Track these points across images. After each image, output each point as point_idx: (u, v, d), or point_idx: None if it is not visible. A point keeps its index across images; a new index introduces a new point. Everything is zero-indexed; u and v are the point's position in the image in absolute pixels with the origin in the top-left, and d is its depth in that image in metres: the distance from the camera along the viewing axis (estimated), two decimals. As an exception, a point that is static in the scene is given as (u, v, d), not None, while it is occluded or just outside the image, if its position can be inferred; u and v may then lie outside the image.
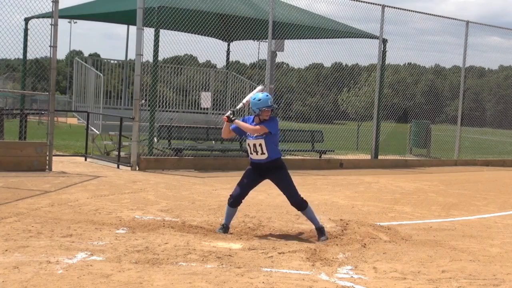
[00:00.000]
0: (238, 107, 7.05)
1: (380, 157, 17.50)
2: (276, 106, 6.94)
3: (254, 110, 6.76)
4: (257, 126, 6.71)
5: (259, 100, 6.73)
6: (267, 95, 6.79)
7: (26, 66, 16.24)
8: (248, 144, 6.81)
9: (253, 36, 16.95)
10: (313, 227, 6.93)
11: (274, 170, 6.83)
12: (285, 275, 5.18)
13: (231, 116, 6.76)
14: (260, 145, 6.72)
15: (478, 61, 22.79)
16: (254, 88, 7.37)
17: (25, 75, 16.37)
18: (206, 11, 14.44)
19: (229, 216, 6.93)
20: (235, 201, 6.87)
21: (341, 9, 19.65)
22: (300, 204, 6.87)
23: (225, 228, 6.85)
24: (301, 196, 6.92)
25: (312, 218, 6.92)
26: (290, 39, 16.84)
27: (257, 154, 6.77)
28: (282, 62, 19.64)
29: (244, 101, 6.96)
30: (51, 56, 11.76)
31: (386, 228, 7.69)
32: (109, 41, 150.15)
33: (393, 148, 20.37)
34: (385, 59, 17.44)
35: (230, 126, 6.86)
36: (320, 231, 6.84)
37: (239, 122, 6.79)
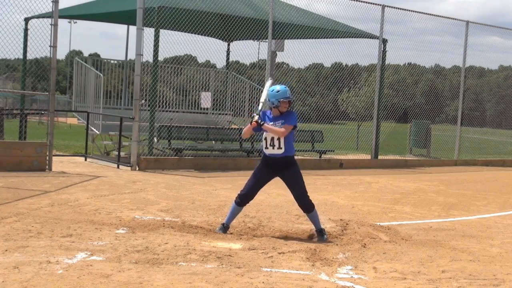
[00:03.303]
0: (259, 108, 6.90)
1: (380, 157, 17.51)
2: (293, 99, 6.88)
3: (272, 101, 6.66)
4: (283, 128, 6.63)
5: (278, 91, 6.66)
6: (285, 87, 6.74)
7: (26, 66, 16.23)
8: (265, 138, 6.72)
9: (253, 36, 16.95)
10: (313, 227, 6.92)
11: (287, 167, 6.76)
12: (285, 275, 5.18)
13: (259, 120, 6.68)
14: (278, 139, 6.66)
15: (478, 61, 22.81)
16: (264, 85, 7.30)
17: (25, 75, 16.36)
18: (206, 11, 14.44)
19: (233, 215, 6.89)
20: (243, 200, 6.81)
21: (341, 9, 19.68)
22: (307, 206, 6.81)
23: (225, 228, 6.81)
24: (310, 198, 6.87)
25: (315, 222, 6.88)
26: (290, 39, 16.84)
27: (273, 148, 6.69)
28: (282, 62, 19.64)
29: (262, 99, 6.88)
30: (51, 56, 11.76)
31: (386, 228, 7.68)
32: (109, 41, 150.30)
33: (393, 148, 20.37)
34: (385, 59, 17.45)
35: (253, 128, 6.78)
36: (321, 233, 6.83)
37: (267, 126, 6.66)
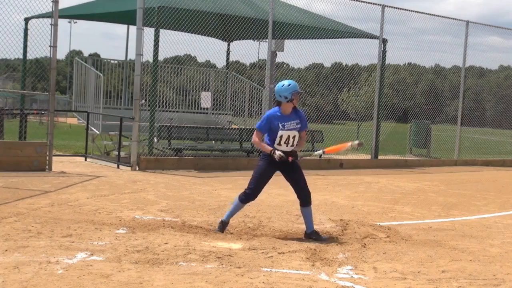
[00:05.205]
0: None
1: (380, 157, 17.50)
2: (303, 91, 6.86)
3: (286, 96, 6.55)
4: (303, 141, 6.75)
5: (289, 85, 6.57)
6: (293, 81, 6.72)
7: (26, 66, 16.24)
8: (281, 136, 6.59)
9: (253, 36, 16.95)
10: (314, 227, 6.91)
11: (292, 162, 6.73)
12: (285, 275, 5.18)
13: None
14: (294, 137, 6.64)
15: (478, 61, 22.78)
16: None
17: (25, 75, 16.37)
18: (206, 11, 14.44)
19: (235, 212, 6.90)
20: (250, 198, 6.77)
21: (341, 9, 19.66)
22: (310, 196, 6.82)
23: (224, 224, 6.82)
24: None
25: (309, 221, 6.88)
26: (290, 39, 16.84)
27: (287, 146, 6.62)
28: (282, 62, 19.64)
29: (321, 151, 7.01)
30: (51, 56, 11.76)
31: (386, 228, 7.68)
32: (109, 41, 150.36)
33: (393, 148, 20.37)
34: (385, 59, 17.44)
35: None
36: (311, 235, 6.78)
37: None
